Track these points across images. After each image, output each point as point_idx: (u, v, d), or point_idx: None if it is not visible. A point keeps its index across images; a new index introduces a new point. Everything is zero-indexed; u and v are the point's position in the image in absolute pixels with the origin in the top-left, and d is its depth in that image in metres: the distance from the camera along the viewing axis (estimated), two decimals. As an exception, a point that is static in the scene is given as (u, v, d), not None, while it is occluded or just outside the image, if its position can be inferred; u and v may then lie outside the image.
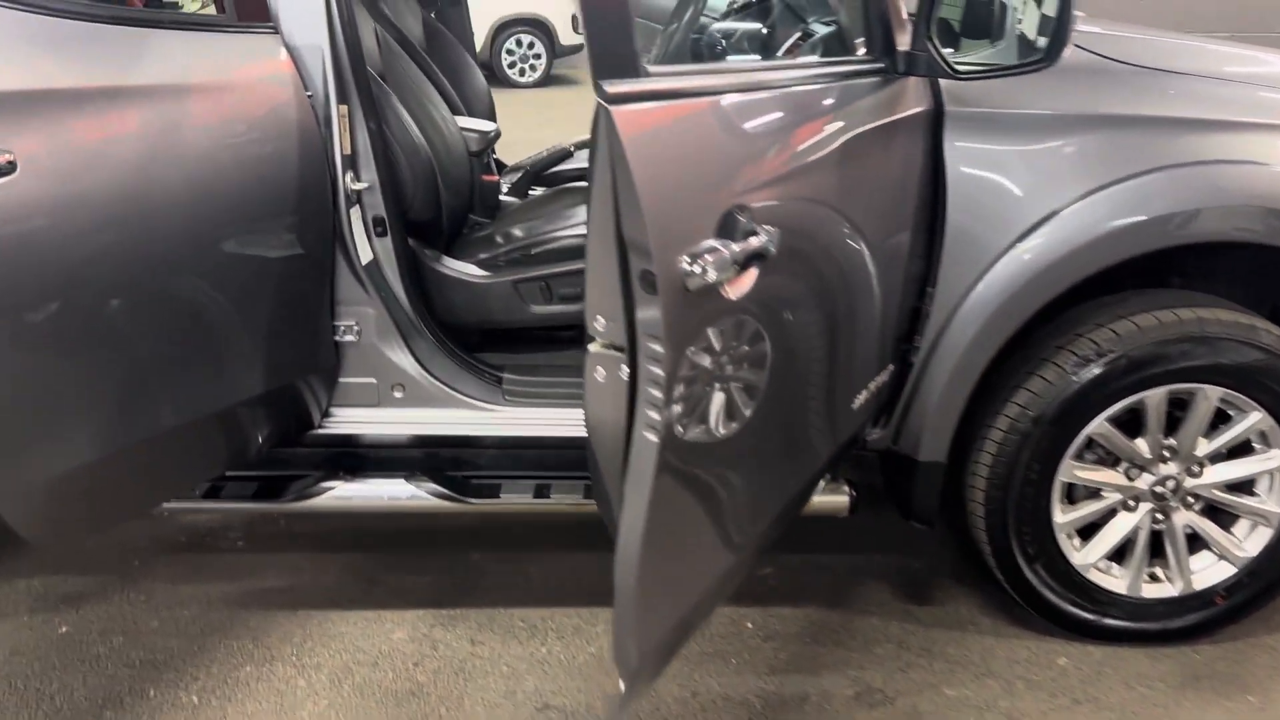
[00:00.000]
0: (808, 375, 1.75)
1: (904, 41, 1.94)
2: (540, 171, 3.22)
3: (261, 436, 2.16)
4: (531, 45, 11.70)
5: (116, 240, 1.72)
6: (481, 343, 2.52)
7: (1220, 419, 2.22)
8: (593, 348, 1.38)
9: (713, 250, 1.27)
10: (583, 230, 2.55)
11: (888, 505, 2.48)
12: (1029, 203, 2.07)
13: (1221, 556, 2.32)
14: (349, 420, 2.31)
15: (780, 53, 2.24)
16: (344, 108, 2.10)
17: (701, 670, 2.27)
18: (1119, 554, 2.33)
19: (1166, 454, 2.24)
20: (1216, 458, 2.26)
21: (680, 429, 1.36)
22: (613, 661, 1.54)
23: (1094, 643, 2.36)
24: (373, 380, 2.30)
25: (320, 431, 2.30)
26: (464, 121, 2.82)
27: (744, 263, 1.33)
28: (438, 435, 2.33)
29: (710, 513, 1.57)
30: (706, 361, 1.37)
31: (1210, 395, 2.17)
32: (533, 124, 8.50)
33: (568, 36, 11.81)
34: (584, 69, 12.39)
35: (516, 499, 2.32)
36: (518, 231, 2.67)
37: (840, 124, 1.71)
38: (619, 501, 1.37)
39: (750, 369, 1.50)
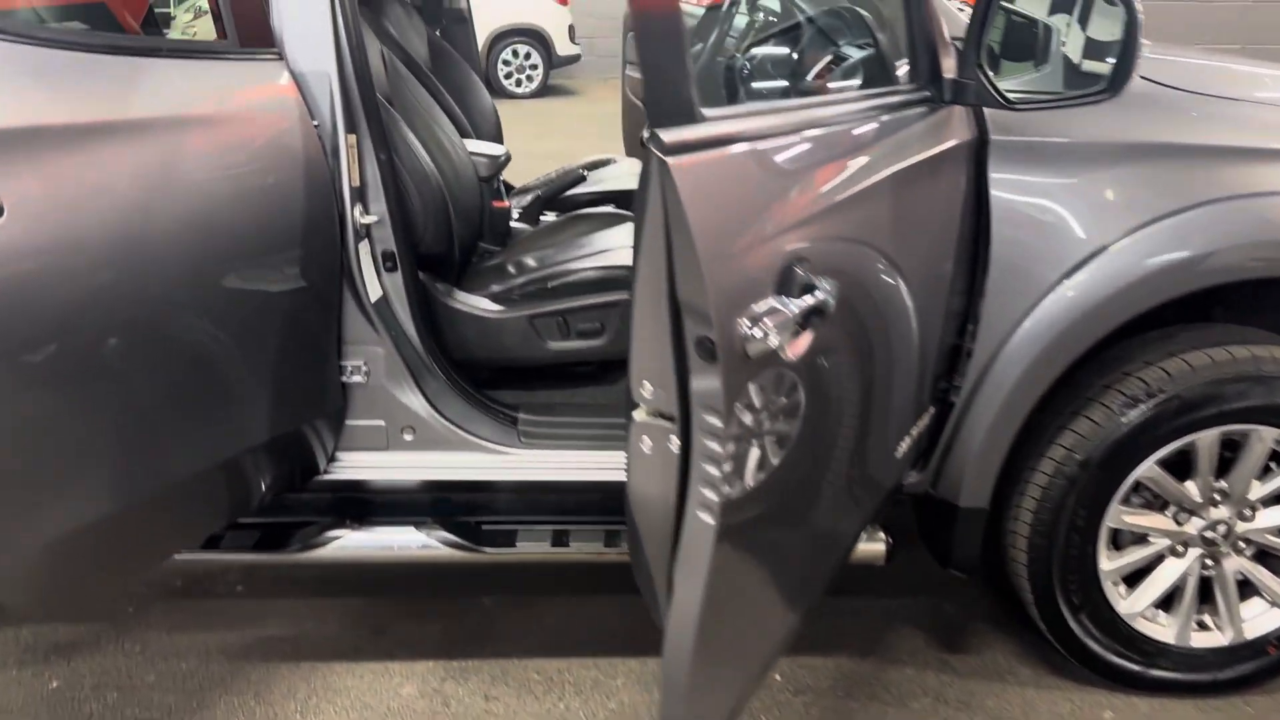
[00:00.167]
0: (856, 428, 1.64)
1: (949, 68, 1.82)
2: (552, 197, 3.10)
3: (265, 485, 2.03)
4: (528, 56, 11.59)
5: (112, 284, 1.60)
6: (493, 380, 2.40)
7: (1275, 460, 2.11)
8: (638, 416, 1.26)
9: (773, 311, 1.15)
10: (600, 262, 2.44)
11: (916, 545, 2.36)
12: (1077, 237, 1.96)
13: (1274, 604, 2.22)
14: (356, 465, 2.18)
15: (810, 76, 2.13)
16: (352, 137, 1.98)
17: (730, 729, 2.15)
18: (1166, 601, 2.22)
19: (1217, 497, 2.14)
20: (1269, 501, 2.15)
21: (738, 504, 1.24)
22: None
23: (1140, 694, 2.24)
24: (381, 423, 2.17)
25: (326, 477, 2.17)
26: (473, 145, 2.70)
27: (804, 321, 1.21)
28: (450, 480, 2.21)
29: (767, 588, 1.45)
30: (763, 428, 1.25)
31: (1265, 437, 2.06)
32: (530, 136, 8.40)
33: (564, 47, 11.70)
34: (581, 79, 12.38)
35: (533, 547, 2.19)
36: (530, 261, 2.55)
37: (890, 161, 1.60)
38: (664, 582, 1.25)
39: (803, 429, 1.39)
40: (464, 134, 2.82)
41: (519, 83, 11.62)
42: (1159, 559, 2.20)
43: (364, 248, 2.06)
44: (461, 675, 2.32)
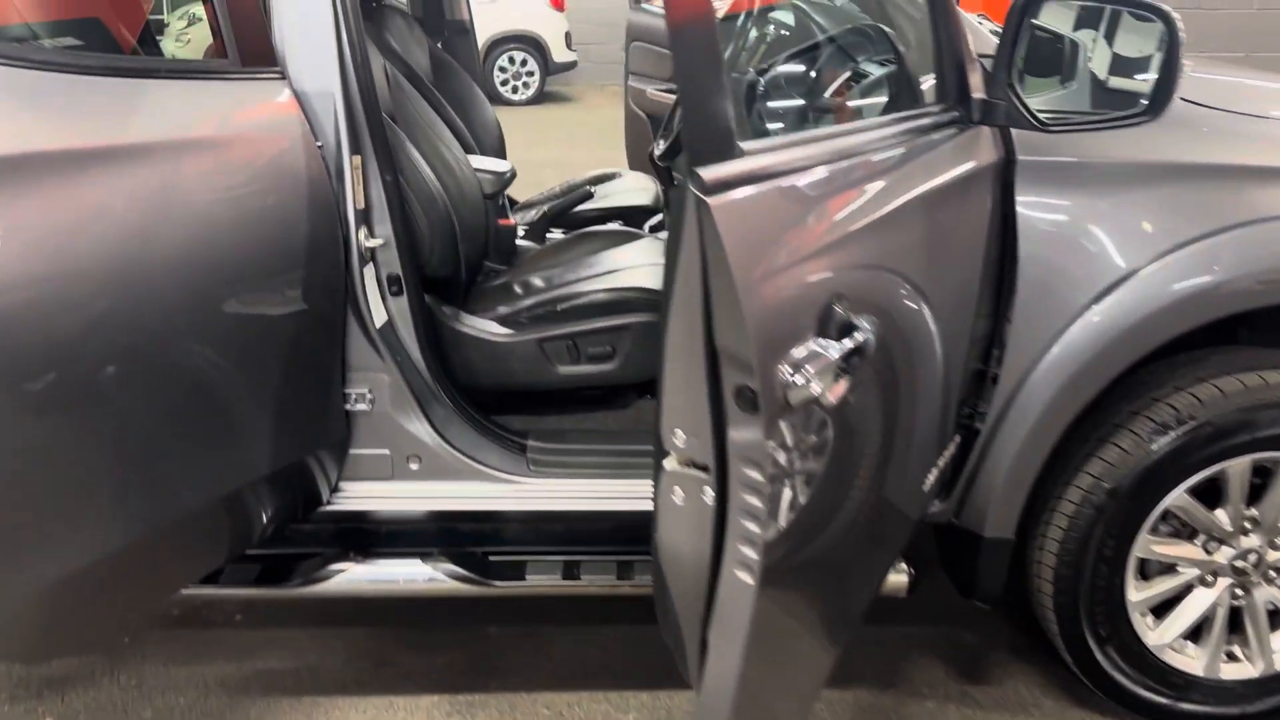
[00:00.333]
0: (886, 462, 1.57)
1: (976, 86, 1.76)
2: (558, 214, 3.03)
3: (266, 518, 1.96)
4: (524, 63, 11.53)
5: (110, 313, 1.53)
6: (500, 405, 2.33)
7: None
8: (669, 465, 1.19)
9: (815, 356, 1.08)
10: (611, 283, 2.37)
11: (934, 573, 2.30)
12: (1107, 260, 1.90)
13: (1305, 634, 2.15)
14: (360, 495, 2.11)
15: (828, 93, 2.07)
16: (357, 159, 1.91)
17: (748, 767, 2.08)
18: (1194, 632, 2.16)
19: (1248, 526, 2.07)
20: (1302, 529, 2.09)
21: (777, 556, 1.17)
22: None
23: (1168, 728, 2.18)
24: (386, 451, 2.10)
25: (329, 508, 2.10)
26: (477, 161, 2.63)
27: (845, 364, 1.15)
28: (457, 511, 2.14)
29: (805, 639, 1.38)
30: (798, 472, 1.18)
31: (1299, 464, 2.00)
32: (527, 143, 8.32)
33: (561, 54, 11.64)
34: (577, 86, 12.31)
35: (544, 580, 2.12)
36: (537, 281, 2.48)
37: (923, 188, 1.54)
38: (696, 640, 1.17)
39: (836, 468, 1.32)
40: (467, 149, 2.75)
41: (515, 90, 11.56)
42: (1188, 589, 2.14)
43: (369, 272, 1.99)
44: (468, 710, 2.25)
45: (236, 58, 1.75)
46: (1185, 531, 2.10)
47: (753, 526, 1.09)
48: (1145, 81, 2.03)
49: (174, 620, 2.56)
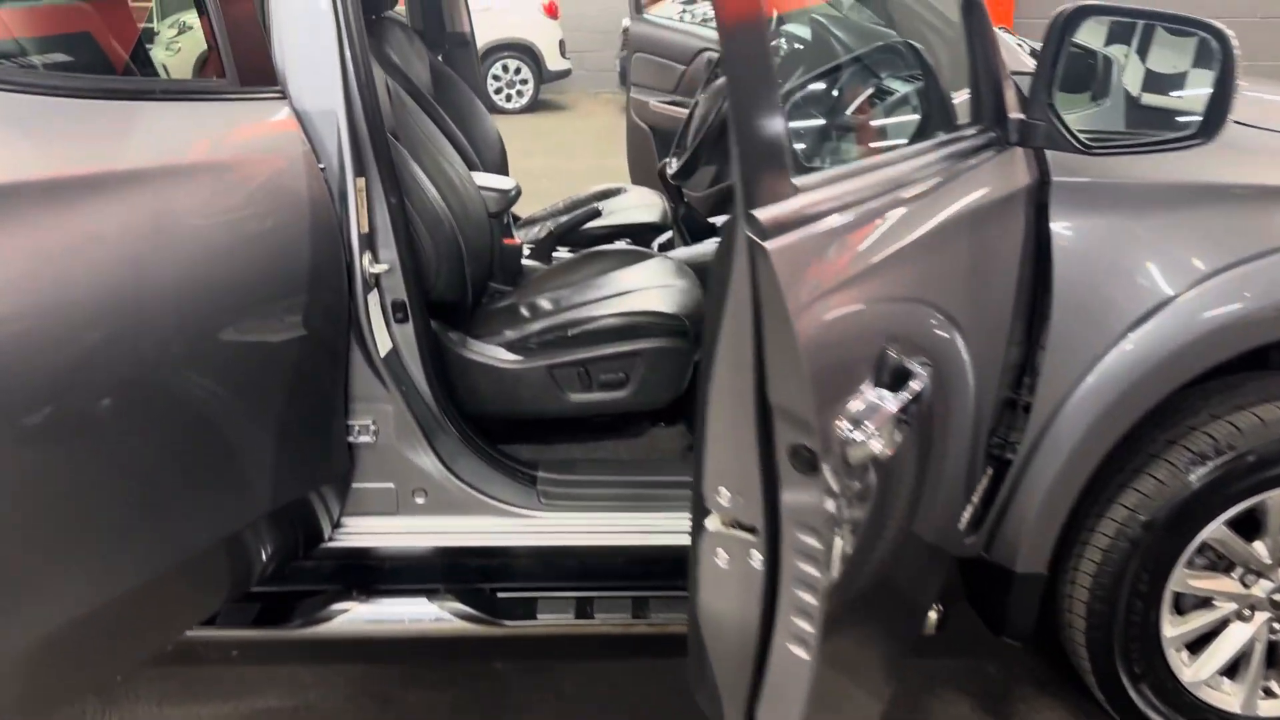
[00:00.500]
0: (928, 506, 1.49)
1: (1012, 105, 1.68)
2: (565, 233, 2.94)
3: (266, 558, 1.86)
4: (518, 70, 11.44)
5: (102, 347, 1.44)
6: (508, 434, 2.24)
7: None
8: (711, 525, 1.10)
9: (874, 409, 1.00)
10: (623, 306, 2.28)
11: (955, 603, 2.21)
12: (1144, 286, 1.83)
13: (1345, 669, 2.07)
14: (363, 531, 2.02)
15: (850, 111, 1.99)
16: (361, 181, 1.83)
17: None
18: (1231, 668, 2.08)
19: (1287, 558, 2.00)
20: (1343, 562, 2.02)
21: (834, 625, 1.08)
22: None
23: (1204, 767, 2.10)
24: (391, 485, 2.01)
25: (331, 544, 2.00)
26: (481, 179, 2.54)
27: (904, 414, 1.06)
28: (465, 546, 2.05)
29: (855, 699, 1.29)
30: (849, 525, 1.10)
31: (1340, 495, 1.92)
32: (522, 152, 8.22)
33: (555, 62, 11.56)
34: (571, 94, 12.24)
35: (555, 619, 2.03)
36: (544, 303, 2.39)
37: (964, 218, 1.46)
38: (738, 709, 1.09)
39: (883, 518, 1.24)
40: (470, 166, 2.66)
41: (509, 98, 11.47)
42: (1224, 623, 2.06)
43: (373, 298, 1.91)
44: (476, 752, 2.16)
45: (235, 77, 1.66)
46: (1222, 564, 2.02)
47: (809, 598, 1.00)
48: (1181, 99, 1.96)
49: (168, 657, 2.46)
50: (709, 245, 2.72)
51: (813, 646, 1.02)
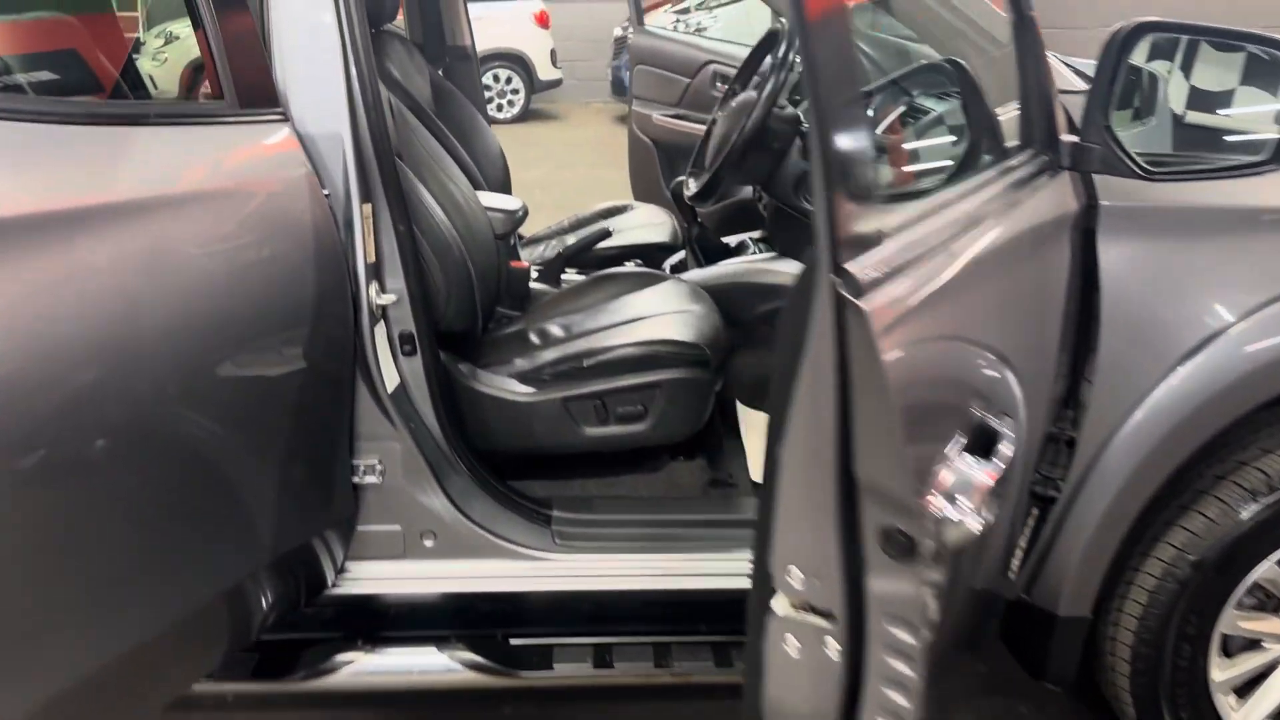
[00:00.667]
0: (989, 556, 1.39)
1: (1062, 127, 1.59)
2: (573, 255, 2.83)
3: (266, 609, 1.74)
4: (509, 80, 11.34)
5: (93, 392, 1.32)
6: (519, 470, 2.13)
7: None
8: (780, 607, 0.98)
9: (968, 482, 0.89)
10: (639, 335, 2.17)
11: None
12: (1196, 316, 1.73)
13: (1399, 713, 1.98)
14: (369, 577, 1.91)
15: (881, 130, 1.89)
16: (368, 207, 1.72)
17: None
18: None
19: (1340, 598, 1.91)
20: (1398, 601, 1.93)
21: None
22: None
23: (1253, 817, 2.00)
24: (398, 527, 1.90)
25: (334, 592, 1.89)
26: (486, 199, 2.43)
27: (1001, 486, 0.96)
28: (476, 592, 1.93)
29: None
30: (939, 603, 0.99)
31: (1397, 532, 1.83)
32: (515, 163, 8.11)
33: (546, 71, 11.47)
34: (562, 103, 12.15)
35: (573, 670, 1.92)
36: (555, 330, 2.28)
37: (1025, 248, 1.36)
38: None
39: (956, 576, 1.13)
40: (475, 185, 2.55)
41: (500, 108, 11.35)
42: (1273, 666, 1.97)
43: (380, 330, 1.80)
44: (486, 806, 2.04)
45: (234, 98, 1.55)
46: (1270, 604, 1.93)
47: (900, 699, 0.89)
48: (1228, 118, 1.87)
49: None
50: (724, 267, 2.62)
51: (903, 751, 0.91)
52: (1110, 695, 2.02)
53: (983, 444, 0.97)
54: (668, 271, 2.80)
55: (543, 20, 11.48)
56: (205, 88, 1.66)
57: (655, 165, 3.88)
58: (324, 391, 1.73)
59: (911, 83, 1.90)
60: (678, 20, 9.87)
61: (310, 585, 1.85)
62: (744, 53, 3.79)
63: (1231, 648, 1.96)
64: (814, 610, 0.96)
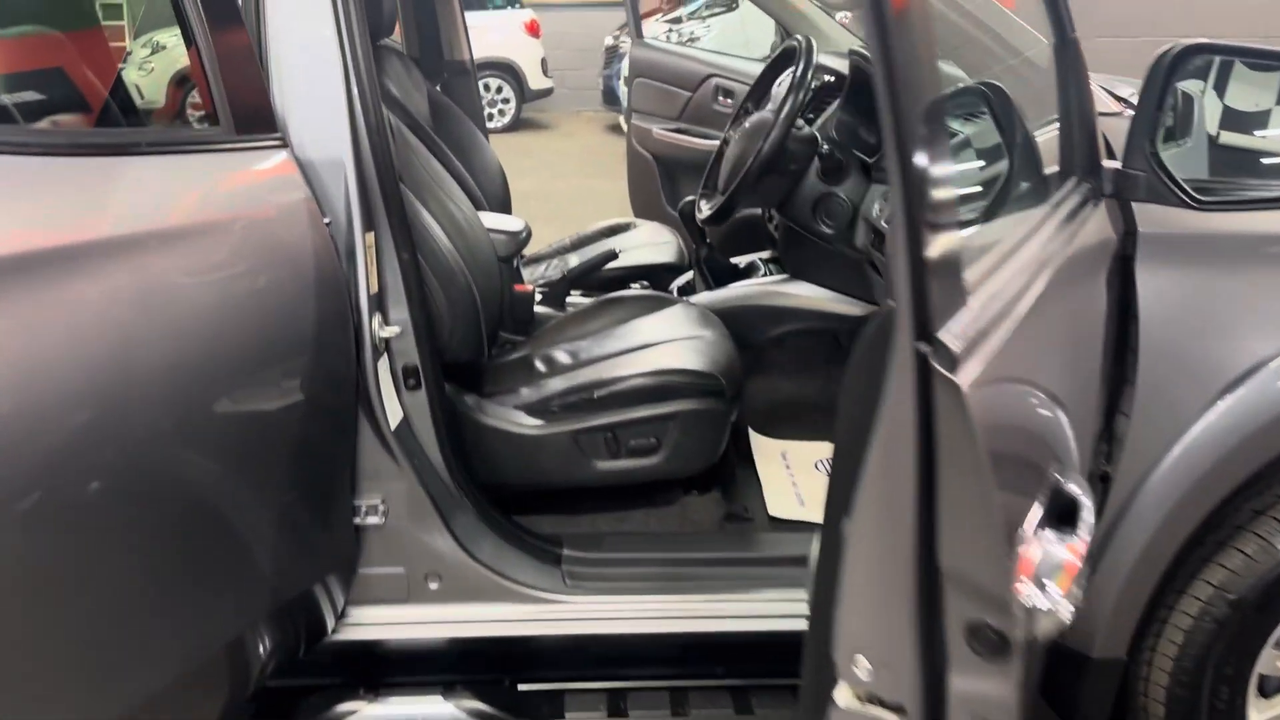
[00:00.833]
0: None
1: (1103, 153, 1.51)
2: (579, 278, 2.75)
3: (263, 659, 1.65)
4: (500, 90, 11.28)
5: (84, 436, 1.23)
6: (527, 505, 2.04)
7: None
8: (842, 699, 0.90)
9: (1056, 563, 0.81)
10: (650, 364, 2.09)
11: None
12: (1237, 346, 1.66)
13: None
14: (371, 622, 1.82)
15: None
16: (371, 236, 1.63)
17: None
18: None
19: (1381, 636, 1.84)
20: None
21: None
22: None
23: None
24: (401, 570, 1.81)
25: (335, 638, 1.80)
26: (489, 220, 2.35)
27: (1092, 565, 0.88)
28: (484, 637, 1.85)
29: None
30: None
31: None
32: (508, 172, 8.03)
33: (537, 80, 11.41)
34: (553, 112, 12.09)
35: (585, 718, 1.84)
36: (562, 357, 2.20)
37: (1077, 284, 1.28)
38: None
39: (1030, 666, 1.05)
40: (476, 205, 2.47)
41: (491, 117, 11.27)
42: (1311, 707, 1.90)
43: (382, 364, 1.71)
44: None
45: (230, 124, 1.46)
46: (1309, 643, 1.86)
47: (980, 800, 0.81)
48: (1265, 138, 1.81)
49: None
50: (735, 290, 2.54)
51: None
52: (1144, 738, 1.94)
53: (1058, 511, 0.90)
54: (675, 294, 2.72)
55: (533, 29, 11.43)
56: (195, 98, 1.58)
57: (655, 180, 3.81)
58: (325, 428, 1.65)
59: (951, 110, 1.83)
60: (670, 30, 9.82)
61: (310, 632, 1.76)
62: (744, 65, 3.73)
63: (1268, 688, 1.89)
64: (881, 703, 0.87)
